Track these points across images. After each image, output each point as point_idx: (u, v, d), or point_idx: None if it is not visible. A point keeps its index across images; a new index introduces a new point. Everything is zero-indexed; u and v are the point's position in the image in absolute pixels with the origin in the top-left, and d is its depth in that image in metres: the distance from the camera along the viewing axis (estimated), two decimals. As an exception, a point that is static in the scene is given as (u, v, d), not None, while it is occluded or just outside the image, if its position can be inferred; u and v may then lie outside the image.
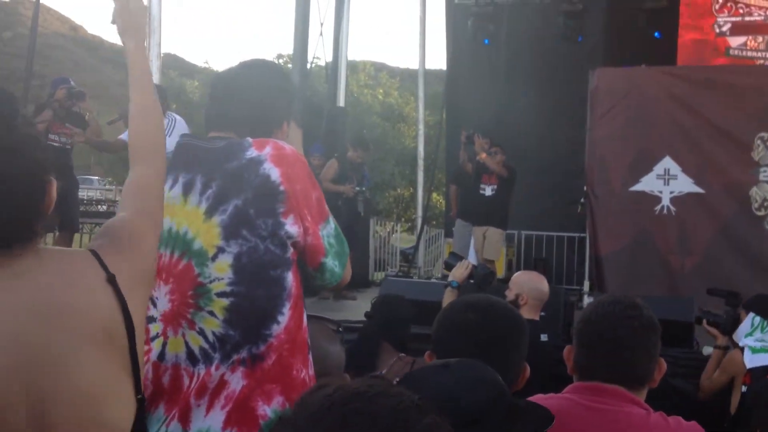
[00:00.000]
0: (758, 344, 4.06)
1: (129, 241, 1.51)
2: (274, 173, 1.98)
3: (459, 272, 4.20)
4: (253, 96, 2.18)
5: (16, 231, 1.35)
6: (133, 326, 1.40)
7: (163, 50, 7.17)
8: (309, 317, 2.12)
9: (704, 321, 4.34)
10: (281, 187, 1.97)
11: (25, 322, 1.30)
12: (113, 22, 1.83)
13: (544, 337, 3.98)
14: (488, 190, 9.16)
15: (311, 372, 2.07)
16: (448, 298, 4.12)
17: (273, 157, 2.01)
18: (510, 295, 4.07)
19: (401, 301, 4.48)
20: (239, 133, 2.13)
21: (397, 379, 1.71)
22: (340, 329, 2.54)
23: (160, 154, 1.76)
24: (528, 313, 3.99)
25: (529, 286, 4.11)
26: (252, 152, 2.02)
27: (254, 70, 2.27)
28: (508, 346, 1.86)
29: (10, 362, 1.28)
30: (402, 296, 4.66)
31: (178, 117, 6.82)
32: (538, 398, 1.95)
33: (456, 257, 4.49)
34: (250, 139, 2.06)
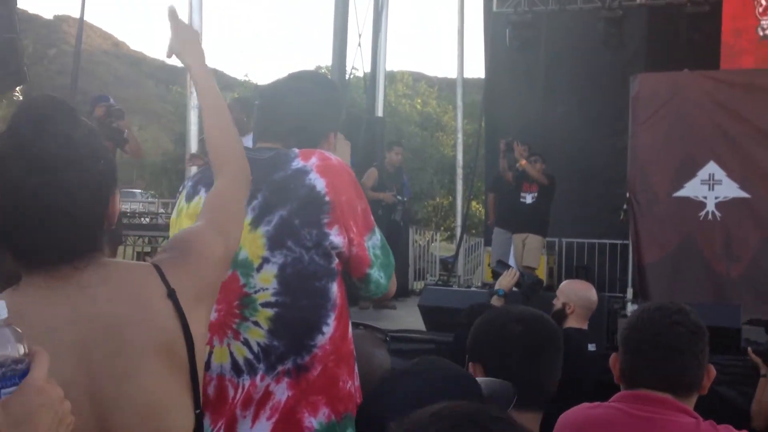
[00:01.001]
0: None
1: (195, 254, 1.49)
2: (320, 184, 1.98)
3: (506, 281, 4.18)
4: (299, 107, 2.19)
5: (79, 243, 1.35)
6: (192, 342, 1.40)
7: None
8: (356, 325, 2.12)
9: (749, 349, 4.28)
10: (326, 198, 1.97)
11: (87, 334, 1.31)
12: (169, 54, 1.84)
13: (591, 347, 3.93)
14: (529, 198, 9.11)
15: (357, 383, 2.06)
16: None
17: (319, 167, 2.01)
18: (557, 303, 4.03)
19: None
20: (286, 143, 2.14)
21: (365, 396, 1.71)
22: (387, 338, 2.54)
23: (238, 167, 1.73)
24: (576, 322, 3.96)
25: (577, 295, 4.07)
26: (298, 163, 2.02)
27: (302, 81, 2.28)
28: (551, 355, 1.87)
29: (75, 372, 1.28)
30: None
31: None
32: (583, 407, 1.94)
33: (503, 265, 4.46)
34: (296, 150, 2.07)
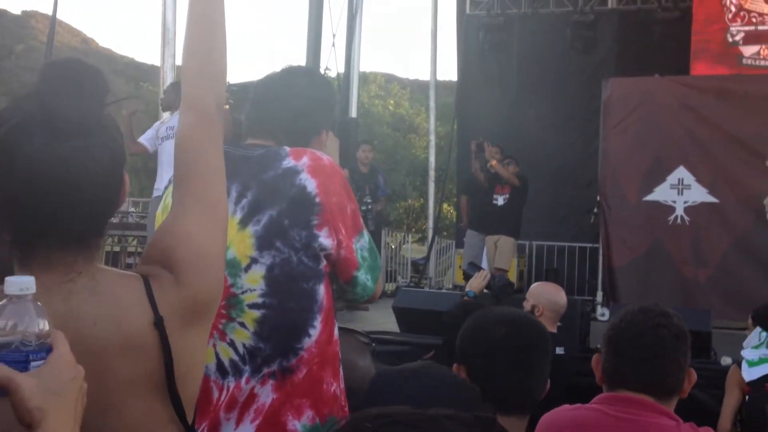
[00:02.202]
0: (756, 357, 4.07)
1: (189, 267, 1.30)
2: (311, 184, 1.95)
3: (476, 282, 4.18)
4: (291, 103, 2.16)
5: (90, 225, 1.25)
6: (173, 373, 1.27)
7: (178, 62, 7.18)
8: (339, 329, 2.10)
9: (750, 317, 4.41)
10: (317, 199, 1.95)
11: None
12: None
13: (559, 350, 3.94)
14: (500, 200, 9.17)
15: (342, 385, 2.05)
16: None
17: (310, 167, 1.98)
18: (527, 305, 4.04)
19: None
20: (277, 140, 2.11)
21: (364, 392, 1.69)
22: (372, 343, 2.51)
23: (216, 96, 1.42)
24: (545, 325, 3.96)
25: (546, 298, 4.09)
26: (289, 162, 1.99)
27: (296, 77, 2.25)
28: (534, 360, 1.86)
29: None
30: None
31: None
32: (564, 409, 1.94)
33: (474, 267, 4.46)
34: (287, 149, 2.03)
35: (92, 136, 1.22)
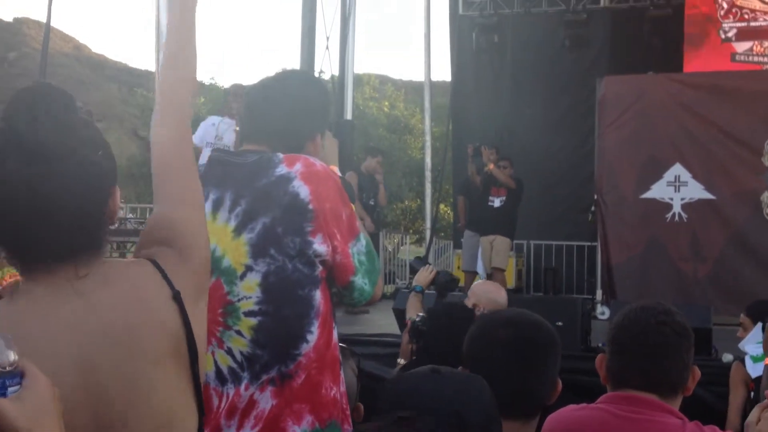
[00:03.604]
0: (759, 352, 4.05)
1: (186, 245, 1.40)
2: (304, 191, 1.96)
3: (422, 276, 4.13)
4: (284, 107, 2.16)
5: (80, 240, 1.28)
6: (195, 344, 1.34)
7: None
8: None
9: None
10: (310, 206, 1.95)
11: (91, 345, 1.24)
12: None
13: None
14: (497, 202, 9.17)
15: (343, 389, 2.05)
16: (411, 303, 4.05)
17: (303, 174, 1.98)
18: (468, 304, 4.00)
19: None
20: (272, 145, 2.10)
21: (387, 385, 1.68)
22: (359, 359, 2.50)
23: (184, 114, 1.53)
24: None
25: (486, 297, 4.04)
26: (282, 169, 2.00)
27: (289, 81, 2.26)
28: (543, 362, 1.84)
29: (77, 386, 1.21)
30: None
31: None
32: (569, 409, 1.94)
33: (420, 261, 4.42)
34: (281, 155, 2.03)
35: (58, 161, 1.24)
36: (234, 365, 1.95)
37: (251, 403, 1.93)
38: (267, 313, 1.94)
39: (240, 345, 1.95)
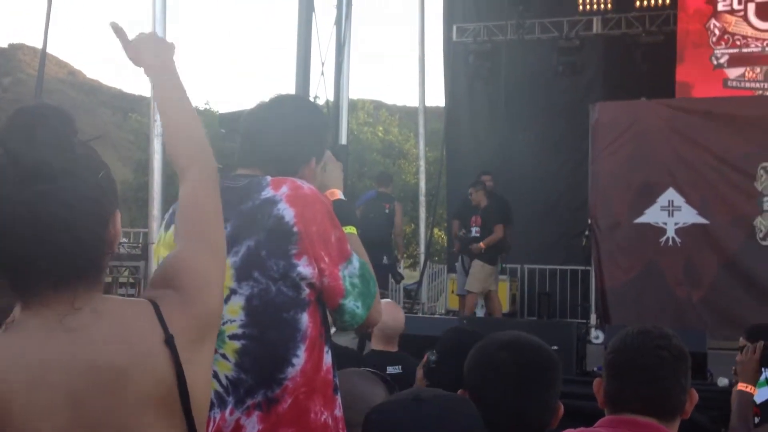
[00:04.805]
0: (762, 378, 4.03)
1: (192, 289, 1.34)
2: (288, 214, 1.95)
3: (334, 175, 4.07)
4: (279, 132, 2.16)
5: (80, 265, 1.24)
6: (187, 391, 1.28)
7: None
8: (359, 372, 2.07)
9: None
10: (294, 228, 1.93)
11: (80, 383, 1.20)
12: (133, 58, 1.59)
13: (395, 369, 3.76)
14: (473, 231, 9.32)
15: (338, 413, 2.02)
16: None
17: (289, 197, 1.97)
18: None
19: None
20: (265, 170, 2.10)
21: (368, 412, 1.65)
22: (394, 387, 2.46)
23: (206, 165, 1.52)
24: (376, 344, 3.88)
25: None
26: (268, 192, 1.99)
27: (283, 106, 2.25)
28: (542, 385, 1.82)
29: (72, 421, 1.18)
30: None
31: None
32: (568, 433, 1.93)
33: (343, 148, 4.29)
34: (269, 178, 2.03)
35: (58, 180, 1.22)
36: (220, 389, 1.94)
37: (238, 428, 1.91)
38: (251, 336, 1.93)
39: (225, 369, 1.94)
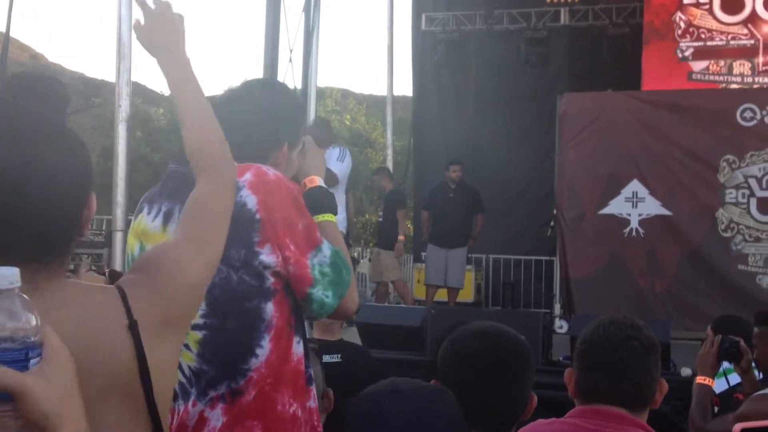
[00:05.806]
0: (720, 368, 4.09)
1: (165, 276, 1.31)
2: (251, 201, 1.89)
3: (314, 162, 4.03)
4: (248, 117, 2.10)
5: (47, 242, 1.20)
6: (149, 378, 1.24)
7: (134, 78, 7.07)
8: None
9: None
10: (257, 216, 1.88)
11: None
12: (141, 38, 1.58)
13: (332, 357, 3.58)
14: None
15: (312, 404, 1.98)
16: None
17: (252, 183, 1.92)
18: None
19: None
20: (236, 155, 2.06)
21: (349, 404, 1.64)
22: (319, 351, 2.46)
23: (225, 169, 1.53)
24: (316, 332, 3.72)
25: None
26: None
27: (251, 90, 2.20)
28: (515, 375, 1.81)
29: None
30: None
31: (347, 149, 7.30)
32: (538, 423, 1.93)
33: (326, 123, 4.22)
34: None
35: (54, 143, 1.19)
36: (183, 380, 1.90)
37: (202, 421, 1.87)
38: (212, 327, 1.88)
39: (188, 360, 1.89)
